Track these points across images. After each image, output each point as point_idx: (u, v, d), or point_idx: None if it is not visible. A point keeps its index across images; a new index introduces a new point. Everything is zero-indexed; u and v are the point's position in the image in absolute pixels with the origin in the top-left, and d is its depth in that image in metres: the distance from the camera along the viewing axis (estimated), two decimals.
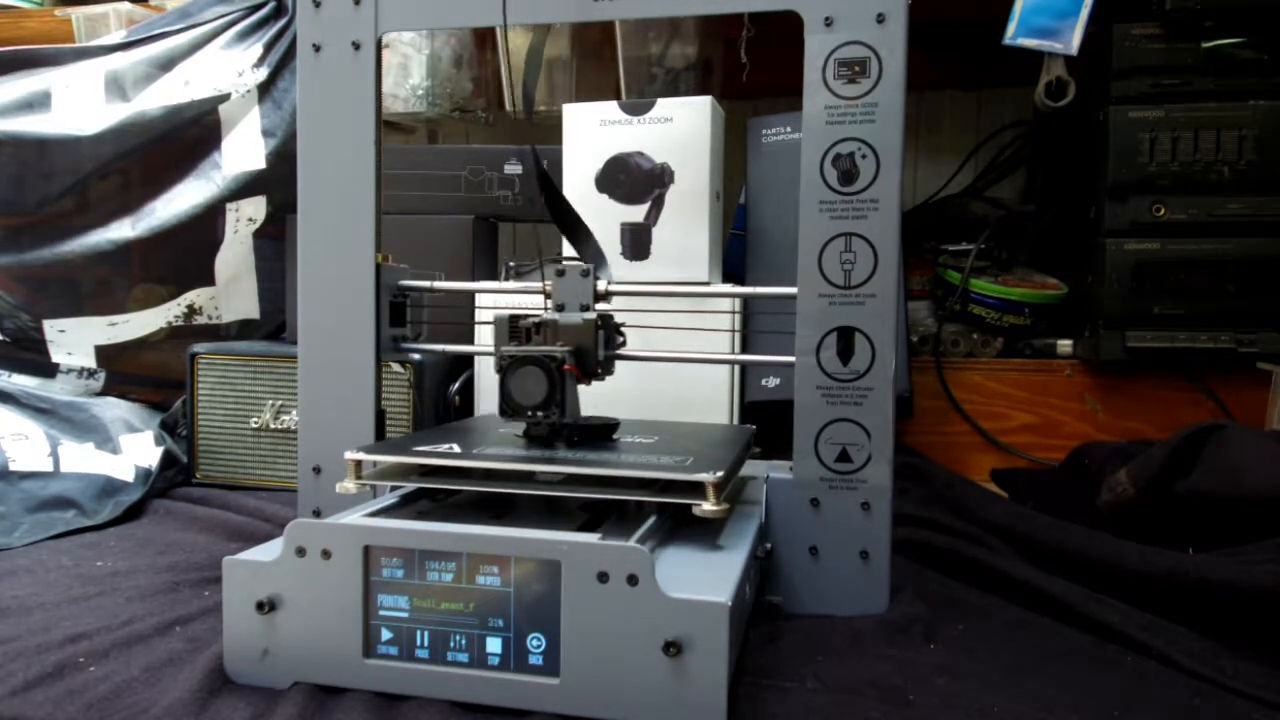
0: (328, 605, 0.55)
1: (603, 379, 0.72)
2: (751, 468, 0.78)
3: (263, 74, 1.15)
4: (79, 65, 1.16)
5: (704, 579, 0.55)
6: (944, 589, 0.75)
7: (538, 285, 0.74)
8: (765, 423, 0.96)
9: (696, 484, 0.58)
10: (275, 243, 1.19)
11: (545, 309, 0.73)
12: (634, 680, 0.51)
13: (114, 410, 1.11)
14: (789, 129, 1.14)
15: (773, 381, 1.09)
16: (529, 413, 0.66)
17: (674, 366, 0.98)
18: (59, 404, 1.08)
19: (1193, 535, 0.78)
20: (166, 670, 0.57)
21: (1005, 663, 0.61)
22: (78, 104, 1.14)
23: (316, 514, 0.77)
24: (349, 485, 0.63)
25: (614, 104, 1.03)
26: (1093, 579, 0.73)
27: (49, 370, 1.18)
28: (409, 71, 1.35)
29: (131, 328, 1.19)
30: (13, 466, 0.94)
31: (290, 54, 1.16)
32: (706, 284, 1.01)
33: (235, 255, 1.19)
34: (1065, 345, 1.20)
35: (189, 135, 1.16)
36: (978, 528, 0.85)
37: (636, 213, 1.02)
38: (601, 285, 0.73)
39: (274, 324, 1.22)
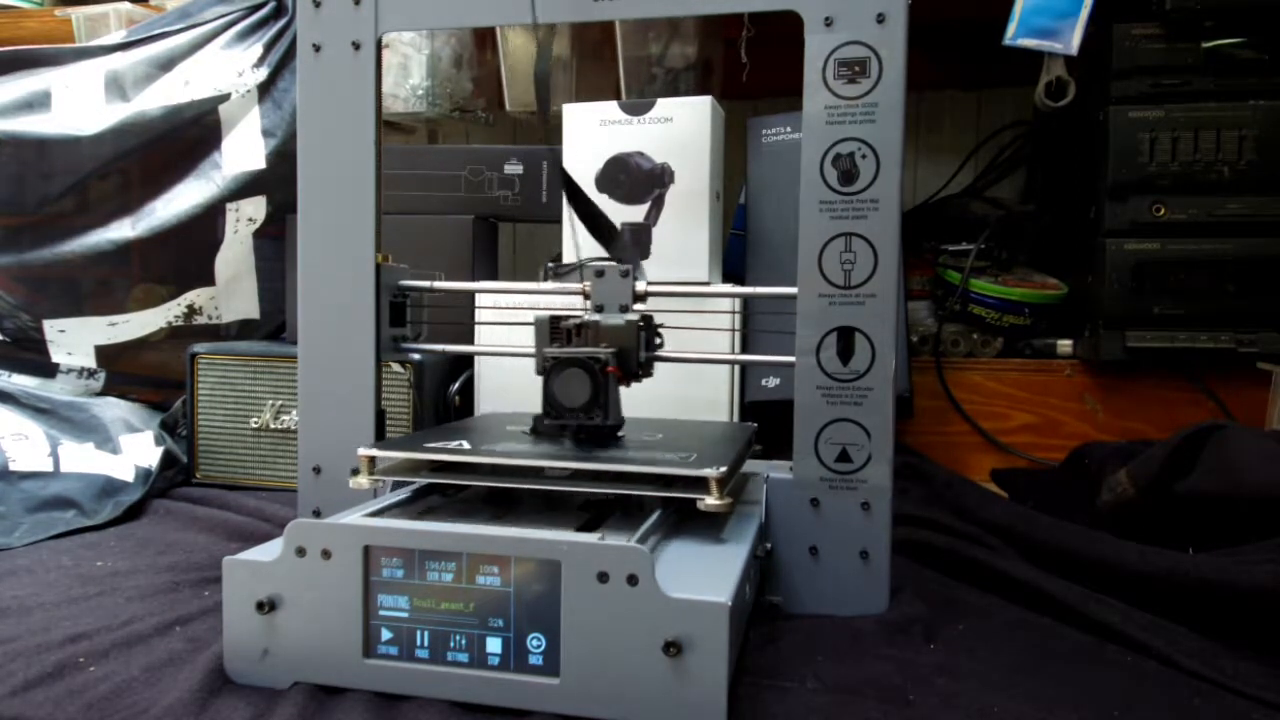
0: (328, 605, 0.55)
1: (640, 380, 0.72)
2: (752, 467, 0.78)
3: (263, 74, 1.15)
4: (79, 65, 1.16)
5: (704, 579, 0.55)
6: (944, 589, 0.75)
7: (537, 286, 0.74)
8: (765, 423, 0.96)
9: (700, 479, 0.59)
10: (275, 243, 1.19)
11: (585, 310, 0.73)
12: (634, 680, 0.51)
13: (114, 410, 1.11)
14: (789, 129, 1.14)
15: (773, 381, 1.09)
16: (572, 414, 0.66)
17: (674, 366, 0.98)
18: (59, 404, 1.08)
19: (1193, 535, 0.78)
20: (166, 670, 0.57)
21: (1005, 663, 0.61)
22: (78, 104, 1.14)
23: (316, 514, 0.77)
24: (363, 481, 0.64)
25: (614, 104, 1.03)
26: (1093, 579, 0.73)
27: (49, 370, 1.18)
28: (409, 71, 1.35)
29: (131, 328, 1.18)
30: (13, 466, 0.94)
31: (290, 54, 1.16)
32: (706, 284, 1.01)
33: (235, 255, 1.19)
34: (1065, 345, 1.20)
35: (189, 135, 1.16)
36: (978, 528, 0.85)
37: (636, 213, 1.02)
38: (640, 286, 0.73)
39: (274, 324, 1.22)
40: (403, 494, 0.68)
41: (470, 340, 1.04)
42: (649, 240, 1.02)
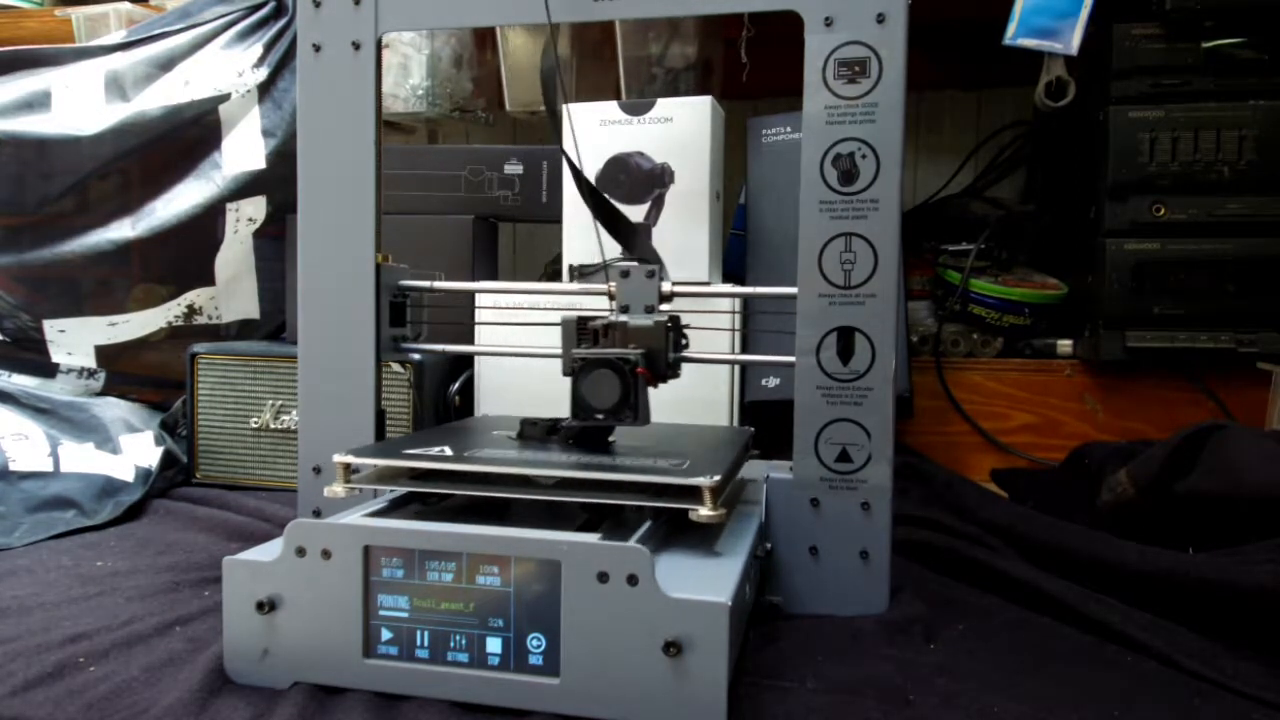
0: (328, 605, 0.55)
1: (668, 381, 0.71)
2: (751, 468, 0.78)
3: (263, 74, 1.15)
4: (79, 65, 1.16)
5: (704, 579, 0.55)
6: (944, 589, 0.75)
7: (538, 286, 0.74)
8: (765, 423, 0.96)
9: (693, 488, 0.57)
10: (275, 243, 1.19)
11: (610, 311, 0.72)
12: (634, 680, 0.51)
13: (114, 410, 1.11)
14: (789, 129, 1.14)
15: (773, 381, 1.09)
16: (601, 416, 0.65)
17: None
18: (59, 404, 1.08)
19: (1193, 535, 0.78)
20: (166, 670, 0.57)
21: (1005, 663, 0.61)
22: (78, 104, 1.14)
23: (316, 514, 0.77)
24: (338, 489, 0.62)
25: (614, 104, 1.03)
26: (1093, 579, 0.73)
27: (49, 370, 1.18)
28: (409, 71, 1.35)
29: (131, 328, 1.18)
30: (13, 466, 0.94)
31: (290, 54, 1.16)
32: (706, 284, 1.01)
33: (235, 255, 1.19)
34: (1065, 345, 1.20)
35: (189, 135, 1.16)
36: (978, 528, 0.85)
37: (636, 213, 1.02)
38: (665, 287, 0.73)
39: (274, 324, 1.22)
40: (396, 496, 0.68)
41: (470, 340, 1.04)
42: (649, 240, 1.02)
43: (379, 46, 0.75)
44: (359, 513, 0.62)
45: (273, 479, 1.07)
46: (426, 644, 0.54)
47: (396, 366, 1.01)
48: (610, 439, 0.71)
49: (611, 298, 0.73)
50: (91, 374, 1.19)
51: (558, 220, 1.07)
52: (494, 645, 0.53)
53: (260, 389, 1.07)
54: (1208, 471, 0.80)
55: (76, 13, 1.35)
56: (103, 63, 1.15)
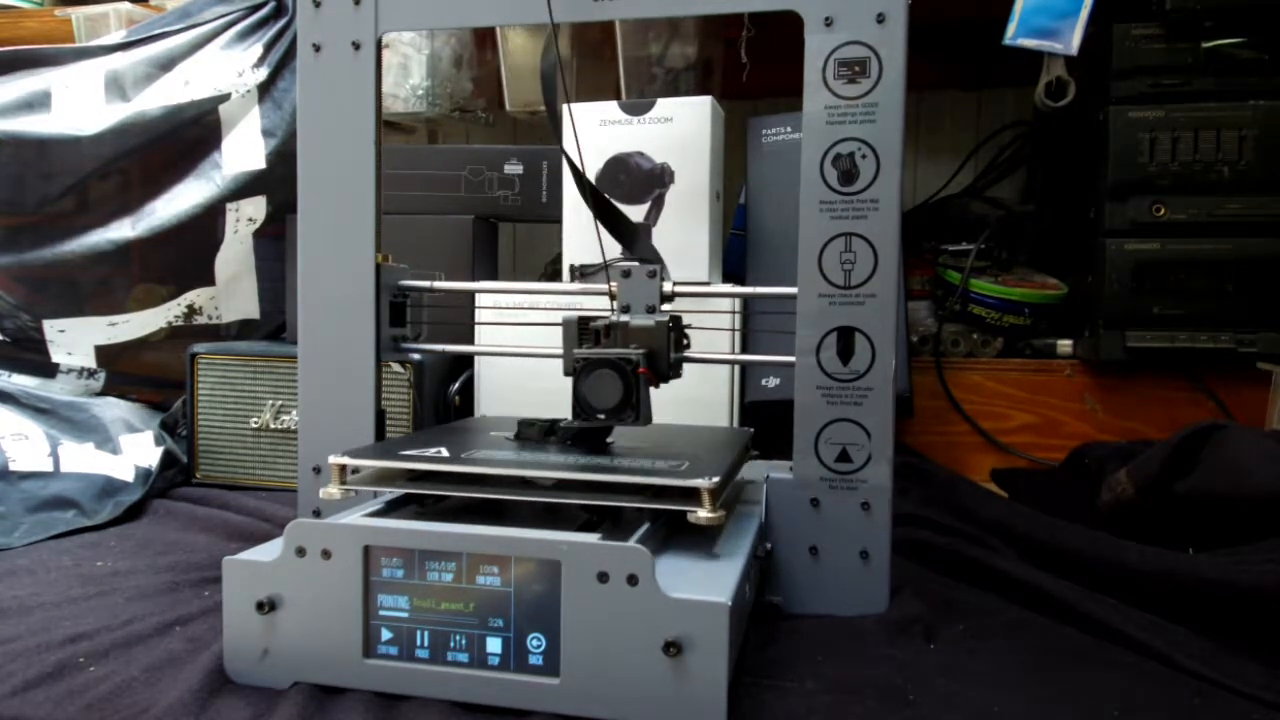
0: (328, 605, 0.55)
1: (669, 381, 0.71)
2: (751, 468, 0.78)
3: (263, 74, 1.15)
4: (79, 65, 1.16)
5: (704, 579, 0.55)
6: (944, 589, 0.75)
7: (538, 286, 0.74)
8: (765, 423, 0.96)
9: (692, 490, 0.57)
10: (275, 243, 1.19)
11: (610, 311, 0.72)
12: (634, 680, 0.51)
13: (114, 410, 1.11)
14: (789, 129, 1.14)
15: (773, 381, 1.09)
16: (603, 416, 0.65)
17: None
18: (59, 404, 1.08)
19: (1193, 535, 0.78)
20: (166, 670, 0.57)
21: (1005, 663, 0.61)
22: (78, 104, 1.14)
23: (316, 514, 0.77)
24: (334, 491, 0.62)
25: (614, 104, 1.03)
26: (1092, 579, 0.73)
27: (49, 370, 1.18)
28: (409, 71, 1.35)
29: (131, 328, 1.18)
30: (13, 466, 0.94)
31: (290, 54, 1.16)
32: (706, 284, 1.01)
33: (235, 255, 1.19)
34: (1065, 345, 1.20)
35: (189, 135, 1.16)
36: (978, 528, 0.85)
37: (636, 213, 1.02)
38: (667, 287, 0.73)
39: (274, 324, 1.22)
40: (394, 498, 0.68)
41: (470, 340, 1.04)
42: (649, 240, 1.02)
43: (379, 46, 0.75)
44: (359, 513, 0.62)
45: (273, 479, 1.07)
46: (426, 644, 0.54)
47: (396, 366, 1.01)
48: (609, 440, 0.71)
49: (613, 298, 0.72)
50: (91, 374, 1.19)
51: (558, 220, 1.07)
52: (494, 645, 0.53)
53: (260, 389, 1.07)
54: (1208, 471, 0.80)
55: (76, 13, 1.35)
56: (103, 63, 1.15)
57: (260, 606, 0.55)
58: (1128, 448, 1.00)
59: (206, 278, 1.19)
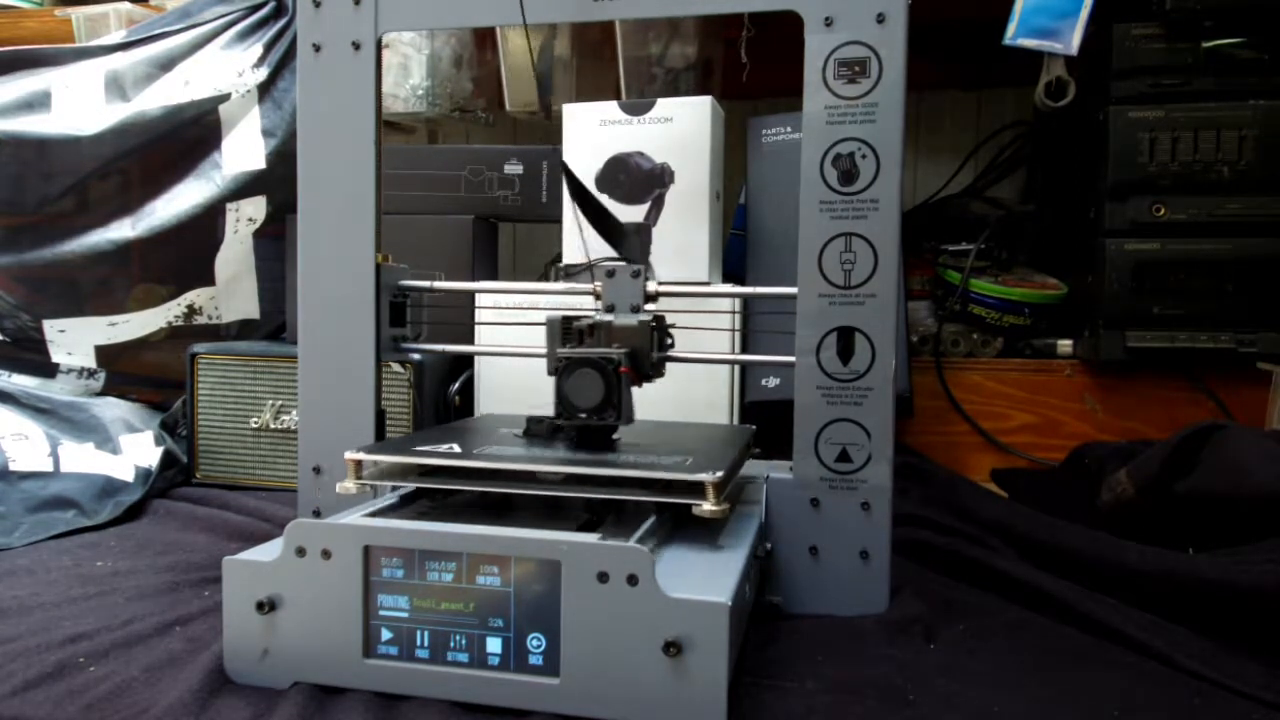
0: (328, 605, 0.55)
1: (652, 380, 0.72)
2: (751, 468, 0.78)
3: (263, 74, 1.15)
4: (79, 65, 1.16)
5: (704, 579, 0.55)
6: (944, 589, 0.75)
7: (539, 286, 0.74)
8: (765, 423, 0.96)
9: (696, 484, 0.58)
10: (275, 243, 1.19)
11: (596, 310, 0.72)
12: (634, 680, 0.51)
13: (114, 410, 1.11)
14: (789, 129, 1.14)
15: (773, 381, 1.09)
16: (586, 415, 0.66)
17: (674, 366, 0.98)
18: (59, 404, 1.08)
19: (1193, 535, 0.78)
20: (166, 670, 0.57)
21: (1005, 663, 0.61)
22: (78, 104, 1.14)
23: (316, 514, 0.77)
24: (349, 485, 0.62)
25: (614, 104, 1.03)
26: (1092, 579, 0.73)
27: (49, 370, 1.18)
28: (409, 71, 1.35)
29: (131, 328, 1.18)
30: (13, 466, 0.94)
31: (290, 54, 1.16)
32: (706, 284, 1.01)
33: (235, 255, 1.19)
34: (1065, 345, 1.20)
35: (189, 135, 1.16)
36: (978, 528, 0.85)
37: (636, 213, 1.02)
38: (651, 286, 0.73)
39: (274, 324, 1.22)
40: (398, 496, 0.68)
41: (470, 340, 1.04)
42: (649, 240, 1.02)
43: (379, 46, 0.75)
44: (359, 512, 0.62)
45: (273, 479, 1.07)
46: (426, 644, 0.54)
47: (396, 366, 1.01)
48: (614, 436, 0.71)
49: (597, 297, 0.73)
50: (91, 374, 1.19)
51: (558, 220, 1.07)
52: (494, 645, 0.53)
53: (260, 389, 1.07)
54: (1208, 471, 0.80)
55: (76, 13, 1.35)
56: (103, 63, 1.15)
57: (260, 606, 0.55)
58: (1128, 448, 1.00)
59: (206, 278, 1.19)
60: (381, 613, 0.55)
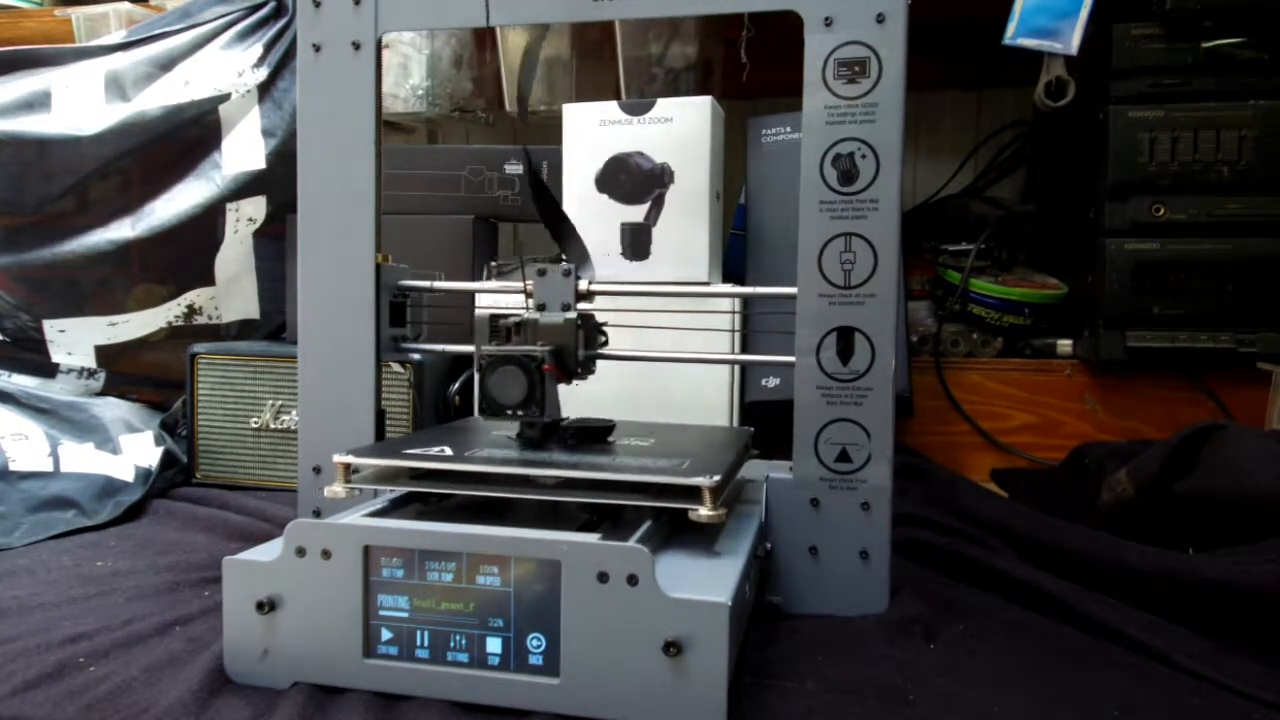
0: (328, 605, 0.55)
1: (583, 378, 0.72)
2: (751, 468, 0.78)
3: (263, 74, 1.15)
4: (79, 65, 1.16)
5: (704, 579, 0.55)
6: (944, 589, 0.75)
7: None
8: (765, 423, 0.96)
9: (693, 488, 0.57)
10: (275, 243, 1.19)
11: (526, 309, 0.73)
12: (634, 680, 0.51)
13: (114, 410, 1.11)
14: (789, 129, 1.14)
15: (773, 381, 1.09)
16: (508, 412, 0.66)
17: (674, 367, 0.98)
18: (59, 404, 1.08)
19: (1193, 535, 0.78)
20: (166, 670, 0.57)
21: (1005, 663, 0.61)
22: (78, 104, 1.14)
23: (316, 514, 0.77)
24: (338, 489, 0.62)
25: (614, 104, 1.03)
26: (1092, 579, 0.73)
27: (49, 370, 1.18)
28: (409, 71, 1.35)
29: (131, 328, 1.19)
30: (13, 466, 0.94)
31: (290, 54, 1.16)
32: (706, 284, 1.01)
33: (235, 255, 1.19)
34: (1065, 345, 1.20)
35: (189, 135, 1.16)
36: (978, 528, 0.85)
37: (636, 213, 1.02)
38: (583, 285, 0.73)
39: (274, 324, 1.22)
40: (398, 496, 0.68)
41: (470, 340, 1.04)
42: (649, 240, 1.02)
43: (379, 46, 0.75)
44: (359, 513, 0.62)
45: (273, 479, 1.07)
46: (426, 644, 0.54)
47: (396, 366, 1.01)
48: (610, 439, 0.71)
49: (528, 295, 0.73)
50: (91, 374, 1.19)
51: None
52: (494, 645, 0.53)
53: (260, 389, 1.07)
54: (1208, 471, 0.80)
55: (76, 13, 1.35)
56: (103, 63, 1.15)
57: (260, 606, 0.55)
58: (1128, 448, 1.00)
59: (206, 278, 1.19)
60: (381, 613, 0.55)
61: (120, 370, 1.20)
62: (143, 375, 1.21)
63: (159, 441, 1.07)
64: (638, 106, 1.02)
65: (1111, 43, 1.07)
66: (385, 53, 1.01)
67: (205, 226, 1.16)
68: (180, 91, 1.14)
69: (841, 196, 0.67)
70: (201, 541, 0.87)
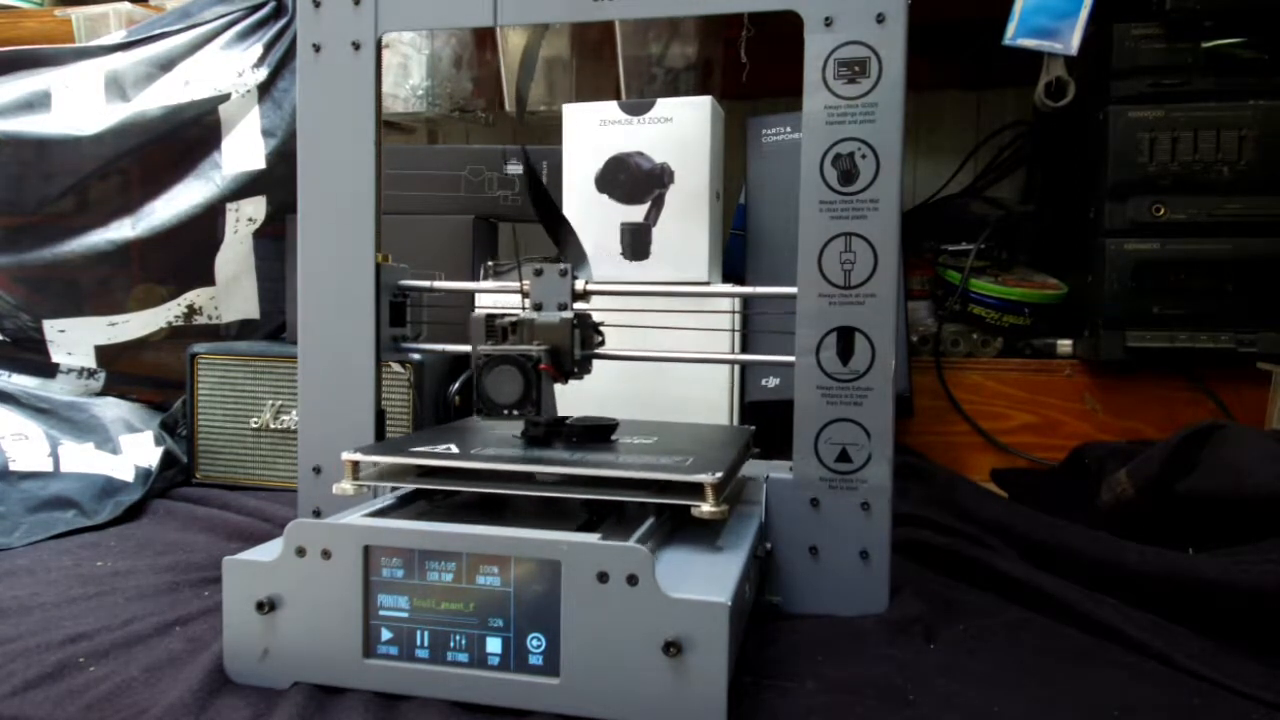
0: (328, 605, 0.55)
1: (580, 378, 0.72)
2: (751, 468, 0.78)
3: (263, 74, 1.15)
4: (79, 65, 1.16)
5: (704, 579, 0.55)
6: (944, 589, 0.75)
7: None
8: (765, 423, 0.96)
9: (696, 485, 0.58)
10: (275, 243, 1.19)
11: (523, 308, 0.73)
12: (634, 680, 0.51)
13: (114, 410, 1.11)
14: (789, 129, 1.14)
15: (773, 381, 1.09)
16: (504, 412, 0.66)
17: (674, 367, 0.98)
18: (59, 404, 1.08)
19: (1193, 535, 0.78)
20: (166, 670, 0.57)
21: (1005, 663, 0.61)
22: (78, 104, 1.14)
23: (316, 514, 0.77)
24: (346, 486, 0.62)
25: (614, 104, 1.03)
26: (1092, 579, 0.73)
27: (49, 370, 1.18)
28: (409, 71, 1.35)
29: (131, 328, 1.19)
30: (13, 466, 0.94)
31: (290, 54, 1.16)
32: (706, 284, 1.01)
33: (235, 255, 1.19)
34: (1065, 345, 1.20)
35: (189, 135, 1.16)
36: (978, 528, 0.85)
37: (636, 213, 1.02)
38: (580, 285, 0.73)
39: (274, 324, 1.22)
40: (398, 496, 0.68)
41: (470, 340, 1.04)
42: (649, 240, 1.02)
43: (379, 46, 0.75)
44: (359, 512, 0.62)
45: (273, 479, 1.07)
46: (426, 644, 0.54)
47: (396, 366, 1.01)
48: (613, 437, 0.71)
49: (525, 295, 0.73)
50: (91, 374, 1.19)
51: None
52: (494, 645, 0.53)
53: (260, 389, 1.07)
54: (1208, 471, 0.80)
55: (76, 13, 1.35)
56: (103, 63, 1.15)
57: (260, 606, 0.55)
58: (1128, 448, 1.00)
59: (206, 278, 1.19)
60: (381, 613, 0.55)
61: (120, 370, 1.20)
62: (143, 375, 1.21)
63: (159, 441, 1.07)
64: (638, 106, 1.02)
65: (1111, 43, 1.07)
66: (385, 53, 1.01)
67: (205, 226, 1.16)
68: (180, 91, 1.14)
69: (841, 196, 0.67)
70: (201, 541, 0.87)
